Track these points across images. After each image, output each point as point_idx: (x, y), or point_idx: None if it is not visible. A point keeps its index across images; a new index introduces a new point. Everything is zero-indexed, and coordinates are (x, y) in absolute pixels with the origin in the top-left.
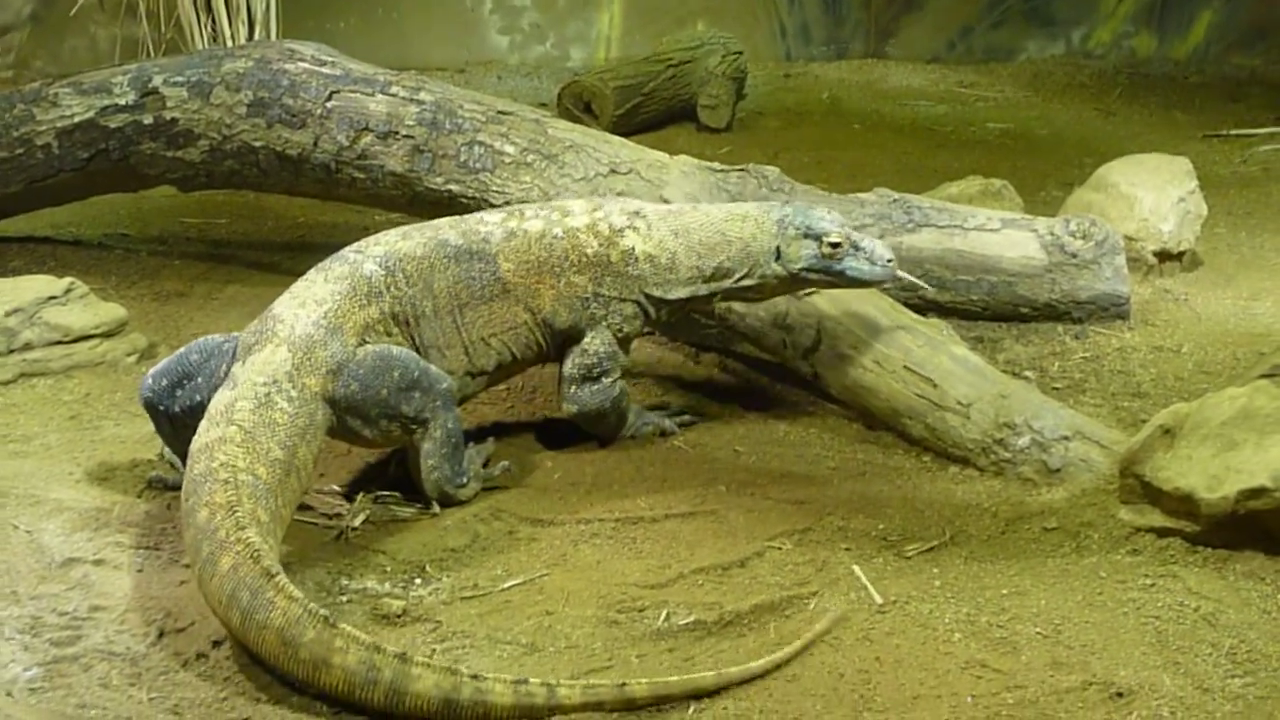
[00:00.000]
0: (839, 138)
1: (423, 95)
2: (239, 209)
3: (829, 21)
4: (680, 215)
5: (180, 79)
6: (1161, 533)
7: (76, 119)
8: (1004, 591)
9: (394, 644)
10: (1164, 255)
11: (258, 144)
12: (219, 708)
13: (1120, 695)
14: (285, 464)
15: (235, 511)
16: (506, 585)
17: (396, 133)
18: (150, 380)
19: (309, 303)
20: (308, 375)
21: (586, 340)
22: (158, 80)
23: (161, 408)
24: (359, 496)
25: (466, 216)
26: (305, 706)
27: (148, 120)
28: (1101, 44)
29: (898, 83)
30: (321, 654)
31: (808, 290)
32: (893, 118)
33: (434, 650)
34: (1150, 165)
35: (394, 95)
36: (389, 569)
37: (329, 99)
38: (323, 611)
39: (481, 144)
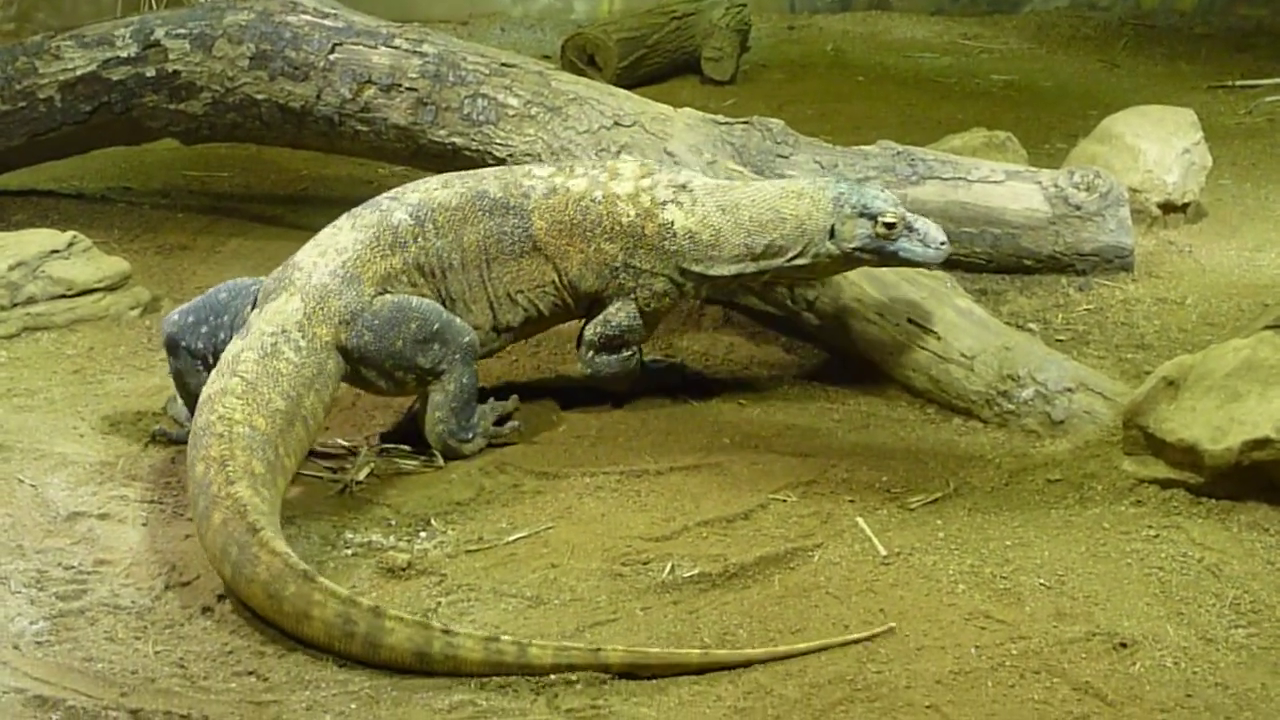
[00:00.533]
0: (843, 90)
1: (426, 48)
2: (241, 162)
3: None
4: (730, 190)
5: (182, 31)
6: (1165, 484)
7: (79, 72)
8: (1008, 543)
9: (400, 597)
10: (1168, 207)
11: (260, 97)
12: (225, 661)
13: (1124, 645)
14: (288, 414)
15: (227, 466)
16: (511, 538)
17: (399, 85)
18: (176, 316)
19: (330, 251)
20: (319, 324)
21: (611, 310)
22: (160, 33)
23: (184, 343)
24: (363, 449)
25: (516, 167)
26: (311, 660)
27: (150, 73)
28: None
29: (902, 35)
30: (302, 607)
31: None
32: (897, 70)
33: (439, 603)
34: (1155, 117)
35: (397, 48)
36: (394, 522)
37: (332, 51)
38: (303, 566)
39: (485, 96)
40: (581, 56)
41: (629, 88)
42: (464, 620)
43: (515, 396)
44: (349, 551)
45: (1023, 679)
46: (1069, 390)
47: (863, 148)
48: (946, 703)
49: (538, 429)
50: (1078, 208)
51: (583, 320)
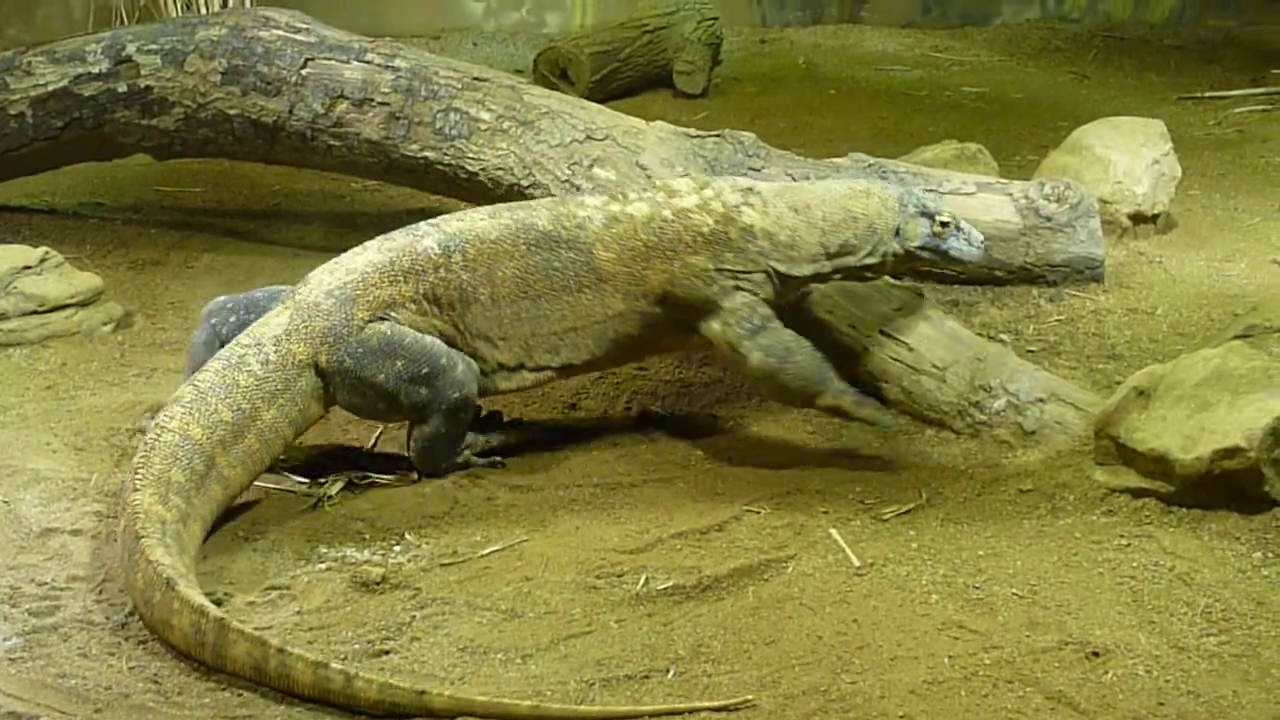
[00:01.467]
0: (815, 103)
1: (398, 62)
2: (214, 177)
3: None
4: (797, 191)
5: (154, 47)
6: (1136, 493)
7: (50, 87)
8: (980, 553)
9: (374, 611)
10: (1138, 218)
11: (232, 112)
12: (199, 676)
13: (1096, 654)
14: (235, 425)
15: (138, 472)
16: (486, 551)
17: (372, 100)
18: (222, 299)
19: (341, 270)
20: (298, 342)
21: (727, 304)
22: (132, 48)
23: (214, 320)
24: (331, 479)
25: (567, 198)
26: None
27: (122, 88)
28: (1077, 7)
29: (873, 48)
30: (165, 615)
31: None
32: (868, 83)
33: (413, 617)
34: (1125, 128)
35: (369, 62)
36: (368, 536)
37: (304, 66)
38: (167, 574)
39: (457, 111)
40: (554, 70)
41: (601, 101)
42: (438, 634)
43: (508, 433)
44: (323, 566)
45: (996, 688)
46: (1041, 401)
47: (835, 160)
48: (920, 712)
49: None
50: (1048, 219)
51: (638, 359)
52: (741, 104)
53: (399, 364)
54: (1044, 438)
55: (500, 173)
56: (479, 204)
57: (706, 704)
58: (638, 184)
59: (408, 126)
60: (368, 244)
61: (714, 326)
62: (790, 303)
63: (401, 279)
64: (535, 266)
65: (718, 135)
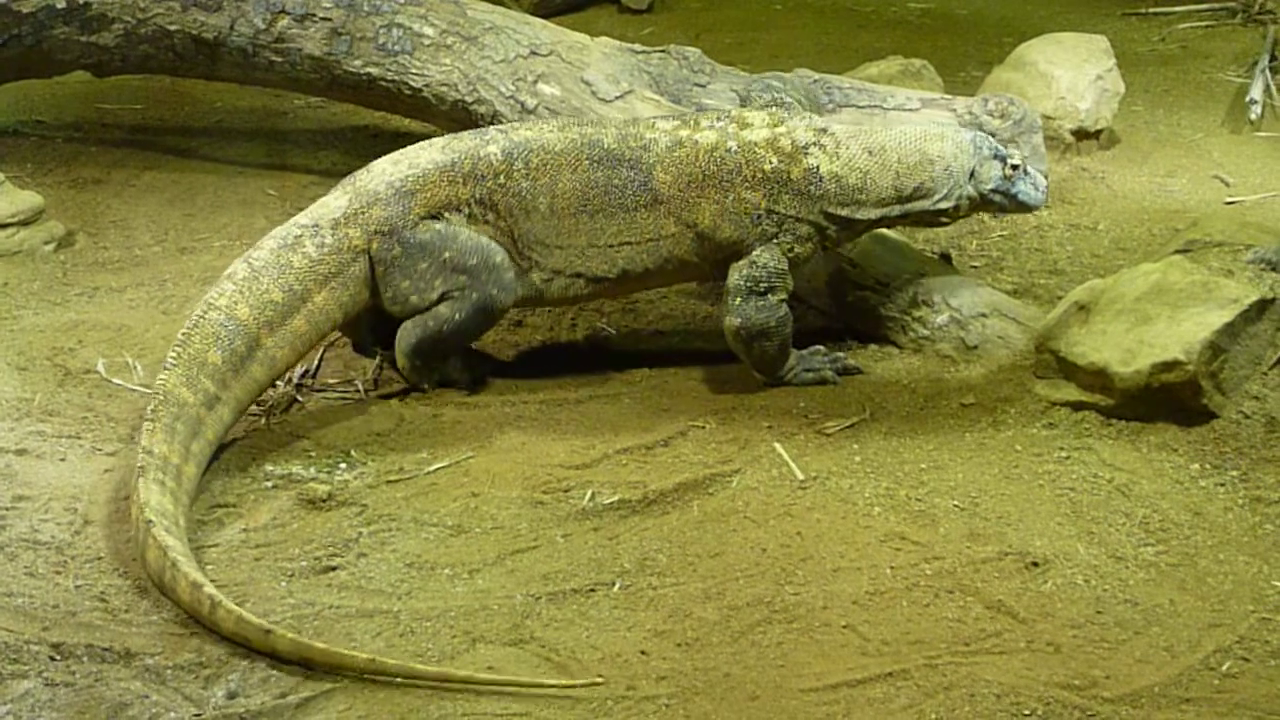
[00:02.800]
0: (760, 19)
1: None
2: (155, 94)
3: None
4: (872, 133)
5: None
6: (1076, 406)
7: None
8: (922, 466)
9: (321, 528)
10: (1081, 133)
11: (173, 28)
12: (146, 593)
13: (1035, 565)
14: (285, 306)
15: (175, 348)
16: (432, 468)
17: (313, 15)
18: None
19: (404, 163)
20: (354, 227)
21: (756, 254)
22: None
23: None
24: (283, 382)
25: (639, 119)
26: (231, 592)
27: (60, 5)
28: None
29: None
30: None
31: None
32: None
33: (360, 533)
34: (1068, 44)
35: None
36: (314, 454)
37: None
38: (140, 463)
39: (400, 26)
40: None
41: (546, 17)
42: (385, 550)
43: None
44: (269, 484)
45: (937, 598)
46: (983, 315)
47: (780, 75)
48: (862, 622)
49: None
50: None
51: (691, 281)
52: (687, 20)
53: (446, 254)
54: (986, 352)
55: (444, 89)
56: (423, 120)
57: (552, 680)
58: (582, 100)
59: (350, 42)
60: (434, 140)
61: (732, 271)
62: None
63: (461, 181)
64: (596, 182)
65: (663, 51)
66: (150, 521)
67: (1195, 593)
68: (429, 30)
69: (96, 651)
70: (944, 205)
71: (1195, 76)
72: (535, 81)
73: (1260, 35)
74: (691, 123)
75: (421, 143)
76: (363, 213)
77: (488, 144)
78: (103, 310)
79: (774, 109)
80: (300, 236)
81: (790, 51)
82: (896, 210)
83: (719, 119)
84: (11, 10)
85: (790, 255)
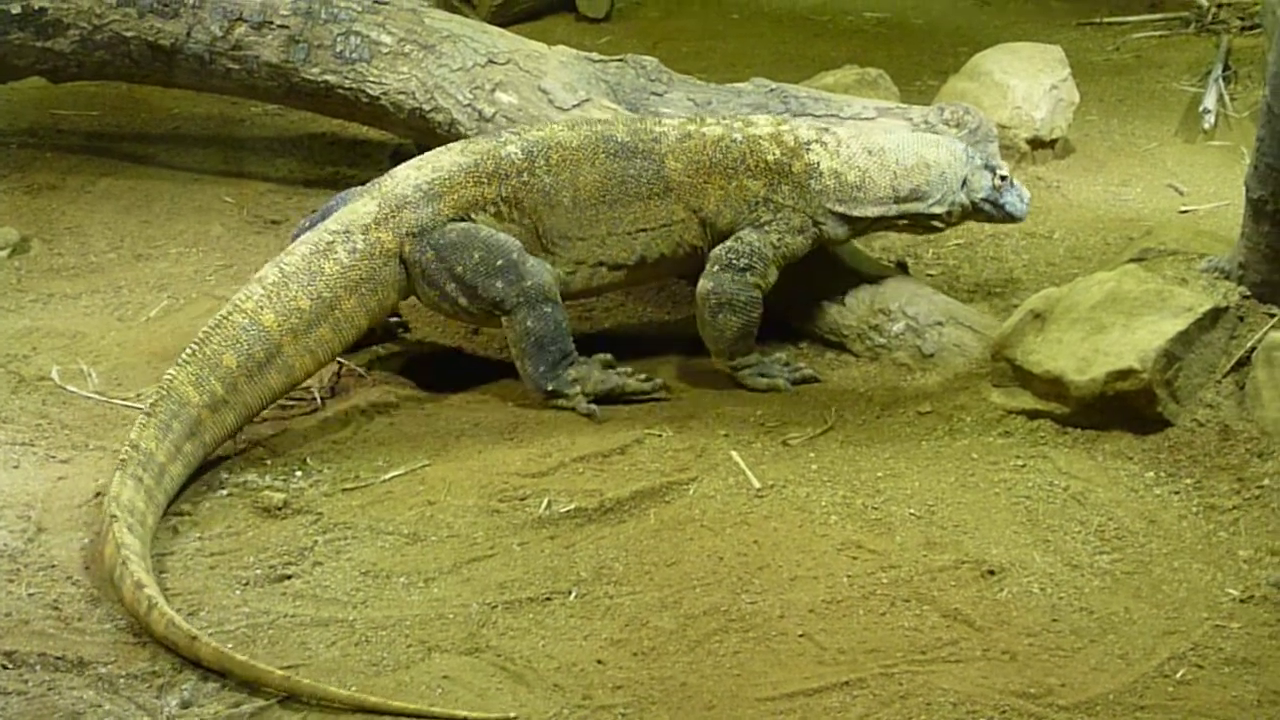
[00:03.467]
0: (717, 28)
1: None
2: (111, 100)
3: None
4: (871, 134)
5: None
6: (1032, 415)
7: None
8: (879, 474)
9: (276, 536)
10: (1036, 143)
11: (129, 34)
12: (99, 602)
13: (992, 573)
14: (310, 314)
15: (192, 345)
16: (388, 476)
17: (271, 23)
18: (311, 215)
19: (427, 167)
20: (385, 230)
21: (744, 231)
22: None
23: (305, 223)
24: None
25: (645, 117)
26: (186, 601)
27: (15, 10)
28: None
29: None
30: None
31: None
32: (770, 8)
33: (315, 541)
34: (1023, 53)
35: None
36: (269, 462)
37: None
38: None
39: (358, 34)
40: None
41: (504, 25)
42: (341, 559)
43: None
44: (224, 492)
45: (893, 607)
46: (939, 324)
47: (737, 85)
48: (819, 631)
49: (416, 365)
50: None
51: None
52: (644, 28)
53: (477, 255)
54: (942, 360)
55: (402, 97)
56: (381, 128)
57: (465, 712)
58: (539, 109)
59: (307, 50)
60: (450, 146)
61: (720, 249)
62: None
63: (485, 181)
64: (614, 173)
65: (620, 60)
66: (114, 516)
67: (1150, 600)
68: (386, 38)
69: (49, 660)
70: (937, 210)
71: (1149, 86)
72: (493, 90)
73: (1213, 45)
74: (697, 119)
75: (439, 148)
76: (392, 216)
77: (506, 145)
78: (57, 317)
79: (774, 115)
80: (332, 242)
81: (747, 60)
82: (893, 210)
83: (724, 117)
84: None
85: (778, 245)
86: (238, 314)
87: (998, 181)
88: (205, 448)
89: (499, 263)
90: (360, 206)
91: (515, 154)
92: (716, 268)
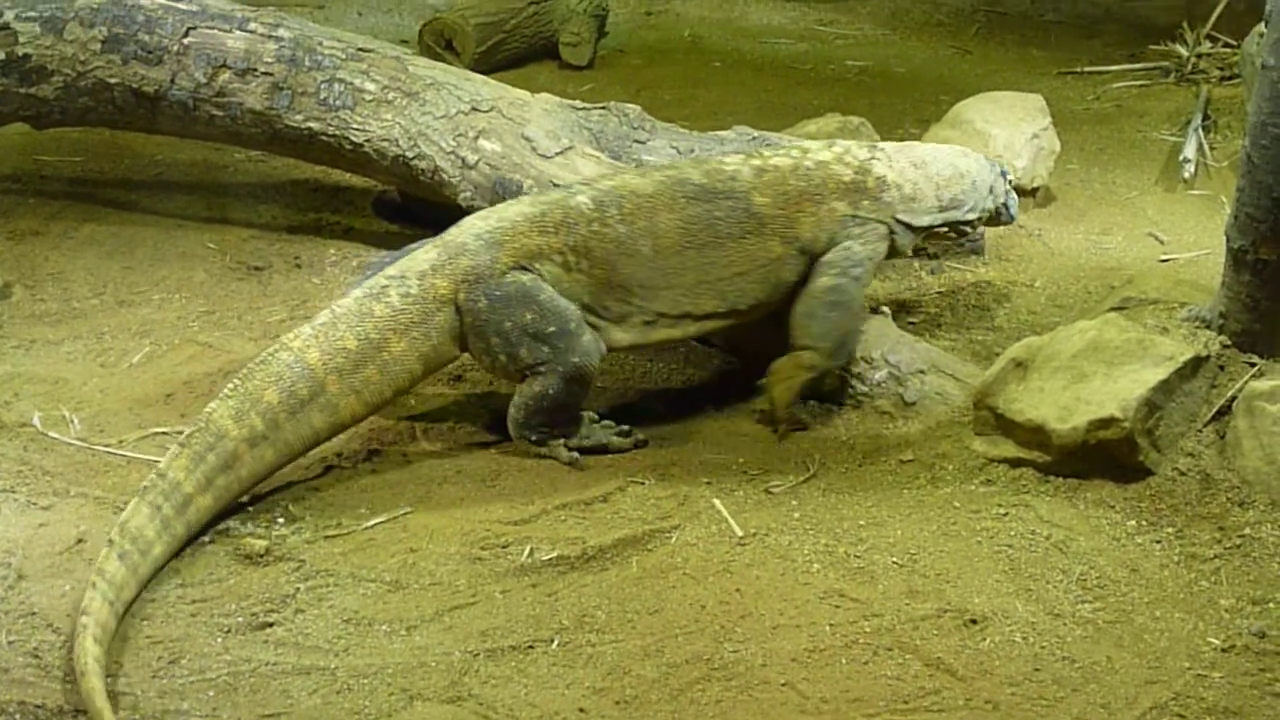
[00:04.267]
0: (700, 75)
1: (281, 32)
2: (94, 146)
3: None
4: (911, 149)
5: (33, 14)
6: (1014, 463)
7: None
8: (861, 522)
9: (258, 584)
10: (1018, 191)
11: (113, 80)
12: None
13: (974, 622)
14: (356, 354)
15: (234, 381)
16: (370, 523)
17: (255, 70)
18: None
19: (492, 216)
20: (441, 277)
21: (848, 243)
22: (9, 15)
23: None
24: None
25: (704, 158)
26: (166, 648)
27: None
28: None
29: (758, 20)
30: None
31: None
32: (753, 55)
33: (298, 589)
34: (1005, 102)
35: (252, 32)
36: (251, 509)
37: (185, 35)
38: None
39: (342, 81)
40: (439, 41)
41: (487, 73)
42: (322, 606)
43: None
44: (206, 539)
45: (876, 655)
46: (921, 372)
47: (719, 133)
48: (801, 680)
49: (395, 414)
50: None
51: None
52: (627, 76)
53: (529, 315)
54: (924, 409)
55: (385, 144)
56: (364, 175)
57: None
58: (522, 156)
59: (291, 97)
60: (521, 197)
61: (825, 259)
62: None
63: (552, 231)
64: (698, 217)
65: (603, 107)
66: (84, 618)
67: (1132, 650)
68: (370, 86)
69: (29, 709)
70: (970, 217)
71: (1130, 135)
72: (476, 137)
73: (1193, 94)
74: (758, 154)
75: (510, 200)
76: (450, 263)
77: (576, 194)
78: (39, 363)
79: (817, 140)
80: (386, 286)
81: (729, 108)
82: (939, 219)
83: (778, 150)
84: None
85: (873, 256)
86: (284, 351)
87: (1008, 186)
88: (241, 483)
89: (550, 329)
90: (421, 254)
91: (585, 203)
92: (835, 271)
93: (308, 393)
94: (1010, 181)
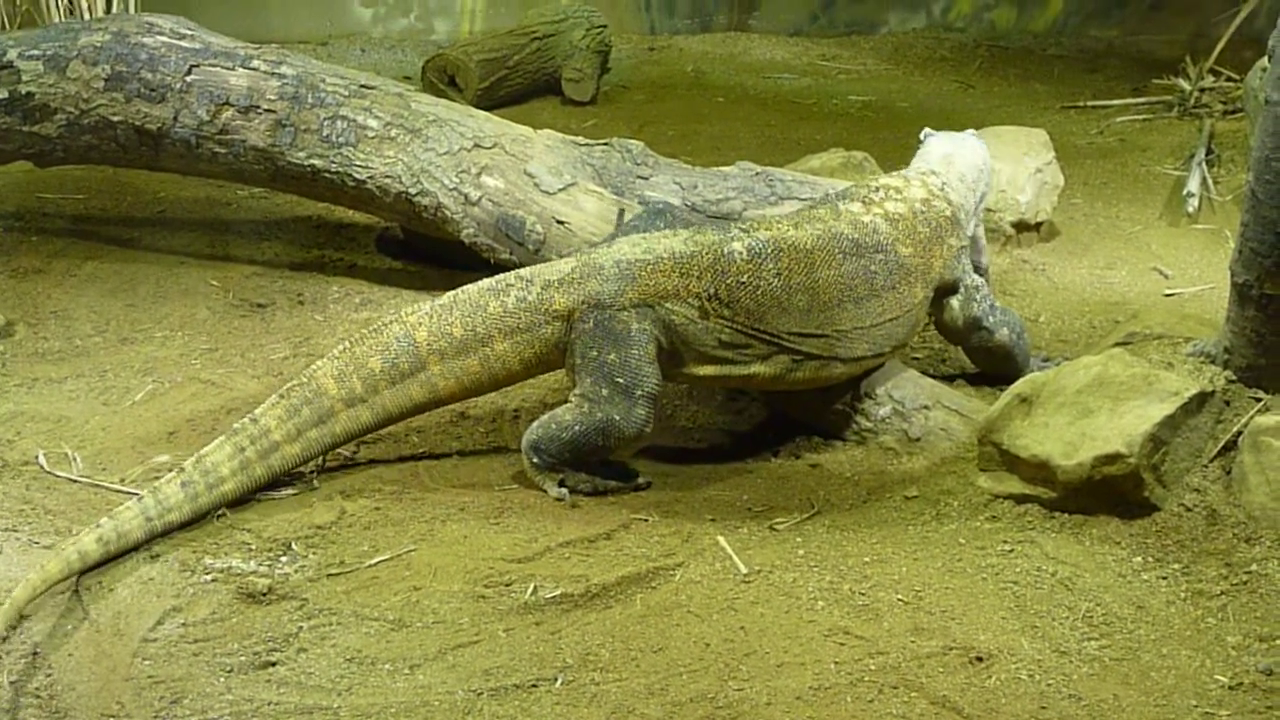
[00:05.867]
0: (703, 111)
1: (284, 69)
2: (97, 184)
3: None
4: (948, 161)
5: (36, 52)
6: (1019, 499)
7: None
8: (866, 559)
9: (260, 622)
10: (1021, 226)
11: (116, 119)
12: (84, 690)
13: (980, 659)
14: (460, 342)
15: (344, 343)
16: (373, 561)
17: (258, 107)
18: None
19: (642, 245)
20: (563, 293)
21: (964, 282)
22: (12, 54)
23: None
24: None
25: (838, 209)
26: (171, 690)
27: (2, 94)
28: (962, 16)
29: (761, 56)
30: None
31: None
32: (756, 91)
33: (300, 628)
34: (1008, 137)
35: (255, 69)
36: (254, 547)
37: (189, 73)
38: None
39: (344, 118)
40: (442, 78)
41: (489, 109)
42: (325, 645)
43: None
44: (208, 577)
45: (881, 694)
46: (925, 408)
47: (722, 169)
48: (807, 718)
49: (399, 451)
50: None
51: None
52: (630, 111)
53: (612, 356)
54: (929, 445)
55: (388, 180)
56: (367, 211)
57: None
58: (525, 192)
59: (294, 134)
60: (679, 231)
61: (954, 303)
62: None
63: (696, 275)
64: (855, 272)
65: (606, 143)
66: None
67: (1139, 687)
68: (373, 122)
69: None
70: (986, 204)
71: (1133, 169)
72: (479, 174)
73: (1196, 129)
74: (867, 201)
75: (667, 231)
76: (579, 282)
77: (732, 241)
78: (42, 401)
79: (888, 173)
80: (511, 285)
81: (732, 144)
82: (974, 222)
83: (875, 191)
84: None
85: (979, 278)
86: (397, 325)
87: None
88: (334, 438)
89: (619, 379)
90: (561, 263)
91: (739, 252)
92: (987, 325)
93: (409, 368)
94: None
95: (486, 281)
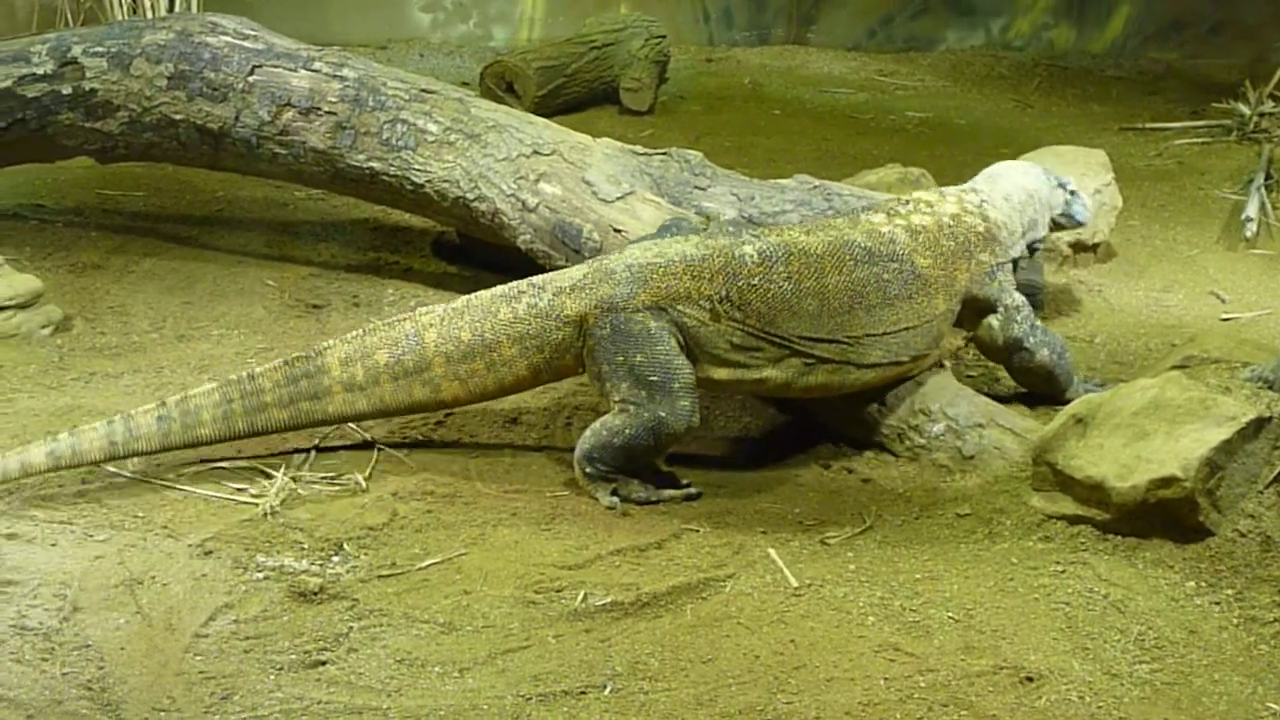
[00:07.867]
0: (760, 123)
1: (346, 72)
2: (157, 182)
3: (751, 7)
4: (992, 180)
5: (100, 49)
6: (1072, 520)
7: None
8: (917, 576)
9: (311, 621)
10: (1079, 246)
11: (178, 117)
12: (135, 684)
13: (1030, 679)
14: (467, 346)
15: (357, 332)
16: (424, 564)
17: (319, 109)
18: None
19: (653, 249)
20: (573, 298)
21: (1003, 302)
22: (77, 50)
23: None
24: (280, 473)
25: (852, 219)
26: (221, 684)
27: (66, 90)
28: (1021, 35)
29: (818, 70)
30: None
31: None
32: (813, 104)
33: (350, 628)
34: (1067, 157)
35: (317, 71)
36: (306, 546)
37: (251, 73)
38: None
39: (404, 122)
40: (500, 84)
41: (547, 116)
42: (375, 646)
43: (691, 495)
44: (260, 575)
45: (930, 711)
46: (980, 426)
47: (779, 181)
48: None
49: (452, 455)
50: None
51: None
52: (687, 122)
53: (639, 357)
54: (982, 463)
55: (446, 185)
56: (424, 215)
57: None
58: (582, 200)
59: (354, 136)
60: (690, 236)
61: (993, 323)
62: None
63: (707, 277)
64: (866, 279)
65: (664, 153)
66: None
67: (1190, 713)
68: (433, 127)
69: None
70: (1041, 234)
71: (1191, 192)
72: (537, 180)
73: (1255, 153)
74: (896, 214)
75: (678, 236)
76: (590, 287)
77: (743, 244)
78: (98, 396)
79: (922, 190)
80: (522, 293)
81: (788, 157)
82: (1022, 245)
83: (901, 206)
84: (16, 94)
85: (1018, 294)
86: (409, 322)
87: (1068, 195)
88: (325, 417)
89: (653, 378)
90: (572, 270)
91: (750, 255)
92: (1030, 340)
93: (414, 365)
94: (1069, 189)
95: (500, 288)
